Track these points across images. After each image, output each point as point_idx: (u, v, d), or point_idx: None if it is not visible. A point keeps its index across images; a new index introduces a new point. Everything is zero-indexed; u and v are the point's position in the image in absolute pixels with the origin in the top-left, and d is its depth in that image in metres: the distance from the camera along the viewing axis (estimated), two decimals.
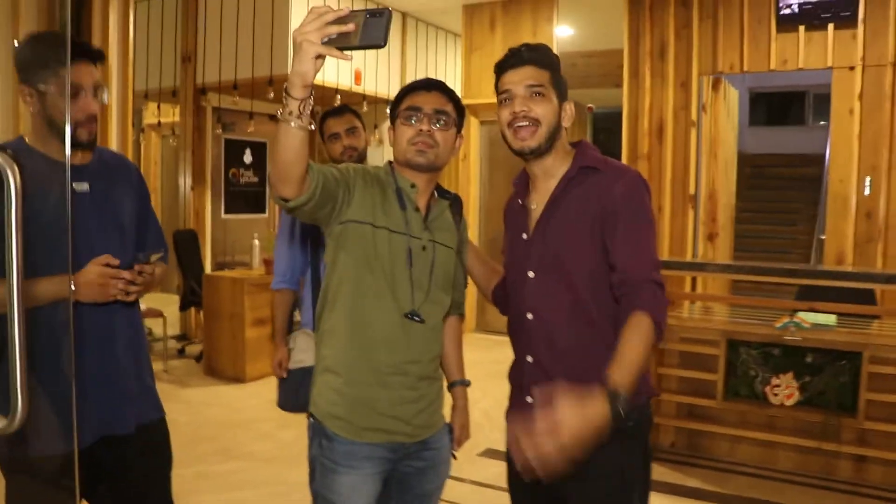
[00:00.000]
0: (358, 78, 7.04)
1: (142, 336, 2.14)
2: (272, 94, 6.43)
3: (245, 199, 7.96)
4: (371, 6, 7.07)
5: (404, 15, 7.83)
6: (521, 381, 1.92)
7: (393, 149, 1.97)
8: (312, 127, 1.60)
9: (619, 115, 6.71)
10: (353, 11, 1.46)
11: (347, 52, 1.45)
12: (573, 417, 1.47)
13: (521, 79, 1.81)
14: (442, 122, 1.92)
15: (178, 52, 7.10)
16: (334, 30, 1.43)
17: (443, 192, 2.05)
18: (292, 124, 1.54)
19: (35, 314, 1.67)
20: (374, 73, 7.28)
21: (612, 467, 1.76)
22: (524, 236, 1.91)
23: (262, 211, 8.15)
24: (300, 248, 3.04)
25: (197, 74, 7.03)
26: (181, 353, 6.97)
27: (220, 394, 5.65)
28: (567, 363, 1.82)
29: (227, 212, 7.73)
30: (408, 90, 1.98)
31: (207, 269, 7.12)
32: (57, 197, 1.80)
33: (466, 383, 2.20)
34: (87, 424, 1.93)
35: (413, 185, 1.94)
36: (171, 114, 8.15)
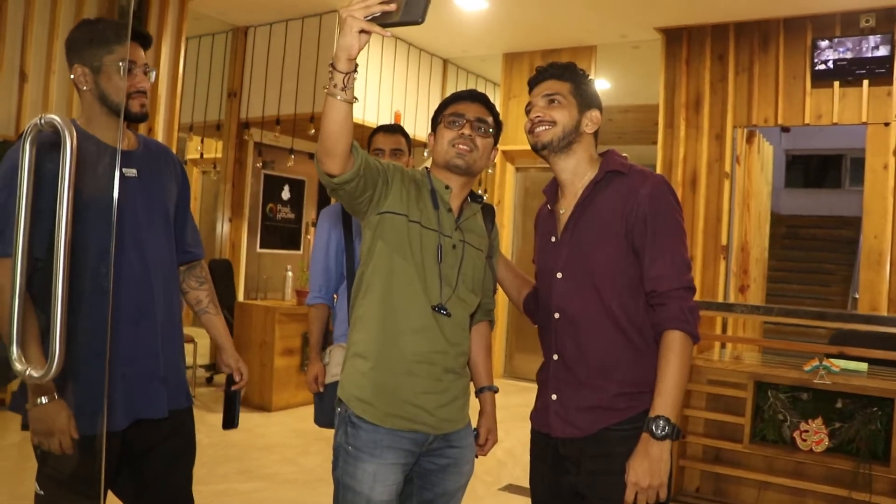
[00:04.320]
0: (398, 119, 7.19)
1: (179, 320, 2.19)
2: (313, 131, 6.60)
3: (281, 234, 8.10)
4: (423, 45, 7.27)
5: (445, 62, 8.02)
6: (547, 378, 1.96)
7: (433, 152, 2.06)
8: (357, 100, 1.69)
9: (653, 170, 6.76)
10: None
11: (389, 29, 1.57)
12: (651, 476, 1.73)
13: (541, 90, 1.97)
14: (482, 129, 2.03)
15: (224, 87, 7.34)
16: (378, 9, 1.54)
17: (476, 198, 2.12)
18: (338, 97, 1.65)
19: (78, 281, 1.73)
20: (414, 116, 7.44)
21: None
22: (553, 239, 1.98)
23: (297, 248, 8.27)
24: (335, 263, 3.10)
25: (241, 109, 7.25)
26: (209, 381, 7.03)
27: (246, 420, 5.68)
28: (590, 359, 1.86)
29: (262, 246, 7.86)
30: (453, 99, 2.10)
31: (240, 299, 7.22)
32: (107, 178, 1.89)
33: (494, 389, 2.22)
34: (122, 406, 1.96)
35: (447, 187, 2.02)
36: (213, 149, 8.38)
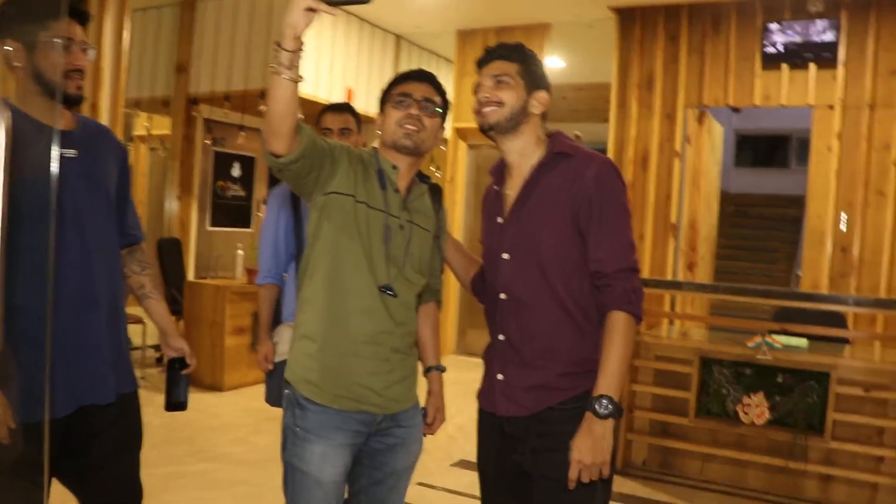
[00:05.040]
0: (350, 96, 7.13)
1: (123, 302, 2.15)
2: (263, 107, 6.50)
3: (231, 212, 7.99)
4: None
5: (398, 37, 7.96)
6: (493, 358, 1.98)
7: (381, 132, 2.05)
8: (303, 78, 1.67)
9: (604, 149, 6.83)
10: None
11: (336, 8, 1.55)
12: (594, 454, 1.76)
13: (489, 71, 1.96)
14: (430, 109, 2.02)
15: (172, 61, 7.18)
16: None
17: (423, 178, 2.12)
18: (283, 75, 1.63)
19: (16, 266, 1.70)
20: (366, 92, 7.37)
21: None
22: (499, 220, 1.99)
23: (248, 225, 8.17)
24: (284, 243, 3.09)
25: (190, 84, 7.10)
26: (159, 361, 6.93)
27: (197, 400, 5.62)
28: (535, 340, 1.89)
29: (212, 224, 7.75)
30: (400, 79, 2.09)
31: (190, 278, 7.12)
32: (45, 159, 1.84)
33: (442, 369, 2.23)
34: (66, 392, 1.92)
35: (395, 167, 2.02)
36: (161, 126, 8.20)
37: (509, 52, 1.97)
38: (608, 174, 1.87)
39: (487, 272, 2.04)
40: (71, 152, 1.97)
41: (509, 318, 1.93)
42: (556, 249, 1.87)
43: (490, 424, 2.01)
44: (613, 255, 1.83)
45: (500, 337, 1.96)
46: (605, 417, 1.76)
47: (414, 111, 2.00)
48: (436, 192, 2.18)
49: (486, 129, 1.96)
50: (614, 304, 1.81)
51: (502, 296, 1.95)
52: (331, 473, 1.93)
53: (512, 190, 1.98)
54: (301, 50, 1.63)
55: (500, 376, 1.95)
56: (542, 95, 1.96)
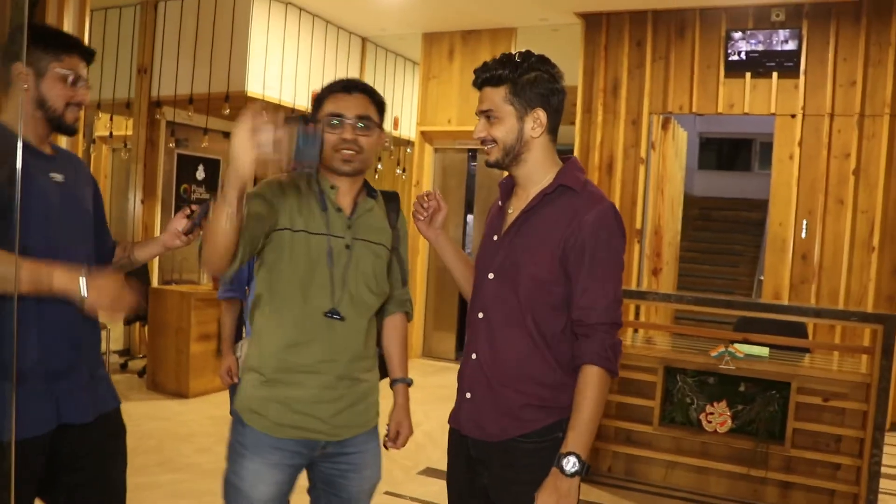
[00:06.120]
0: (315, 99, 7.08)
1: (97, 322, 2.15)
2: (228, 111, 6.45)
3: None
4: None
5: (364, 40, 7.93)
6: (464, 377, 1.97)
7: None
8: (244, 218, 1.69)
9: (570, 152, 6.89)
10: (287, 117, 1.58)
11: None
12: None
13: (480, 103, 1.89)
14: (365, 126, 1.96)
15: (134, 63, 7.08)
16: (266, 139, 1.55)
17: (371, 191, 2.08)
18: (224, 216, 1.64)
19: None
20: None
21: (540, 474, 1.80)
22: (495, 238, 1.96)
23: None
24: None
25: (152, 87, 7.00)
26: (124, 367, 6.86)
27: (163, 408, 5.58)
28: (502, 365, 1.88)
29: None
30: (328, 92, 1.99)
31: (154, 284, 7.04)
32: (41, 183, 1.91)
33: (408, 382, 2.20)
34: (44, 411, 1.91)
35: (333, 187, 1.98)
36: (123, 126, 8.07)
37: (496, 73, 1.85)
38: (607, 221, 1.81)
39: (474, 288, 2.00)
40: (58, 176, 2.00)
41: (483, 340, 1.91)
42: (538, 284, 1.83)
43: (459, 443, 1.99)
44: (598, 307, 1.79)
45: (473, 356, 1.94)
46: (572, 476, 1.74)
47: (348, 136, 1.92)
48: (392, 199, 2.14)
49: (490, 166, 1.94)
50: (591, 357, 1.78)
51: (480, 315, 1.93)
52: (263, 492, 1.91)
53: (514, 210, 1.94)
54: (246, 191, 1.64)
55: (468, 395, 1.94)
56: (537, 115, 1.85)
